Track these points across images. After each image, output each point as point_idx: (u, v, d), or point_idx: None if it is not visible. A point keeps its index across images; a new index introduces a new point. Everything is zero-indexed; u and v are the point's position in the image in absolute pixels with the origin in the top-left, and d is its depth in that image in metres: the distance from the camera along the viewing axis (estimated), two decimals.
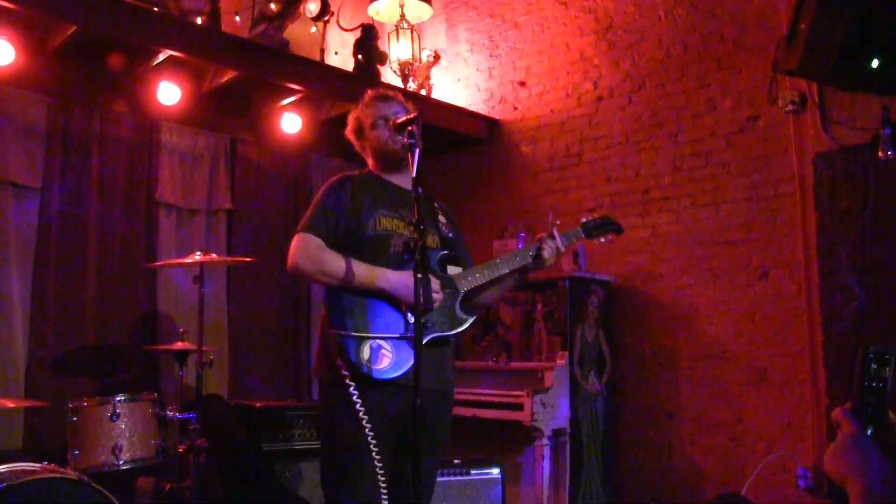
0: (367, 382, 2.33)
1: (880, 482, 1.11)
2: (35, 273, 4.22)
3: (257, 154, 5.30)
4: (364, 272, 2.38)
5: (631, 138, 4.95)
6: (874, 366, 1.19)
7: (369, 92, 2.71)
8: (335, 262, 2.38)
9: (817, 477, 3.97)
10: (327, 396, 2.46)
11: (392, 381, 2.34)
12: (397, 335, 2.38)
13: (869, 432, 1.18)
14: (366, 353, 2.32)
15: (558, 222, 2.68)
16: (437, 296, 2.40)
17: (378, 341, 2.35)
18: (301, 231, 2.46)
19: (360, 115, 2.66)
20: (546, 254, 2.61)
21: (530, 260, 2.63)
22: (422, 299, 2.17)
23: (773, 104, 4.30)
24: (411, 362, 2.33)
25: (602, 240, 2.84)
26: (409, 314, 2.37)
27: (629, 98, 4.98)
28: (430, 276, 2.38)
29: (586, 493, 4.45)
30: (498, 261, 2.61)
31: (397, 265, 2.43)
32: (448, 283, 2.50)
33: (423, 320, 2.34)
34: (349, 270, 2.37)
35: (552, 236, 2.65)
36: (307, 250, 2.43)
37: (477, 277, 2.56)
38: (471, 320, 2.54)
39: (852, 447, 1.16)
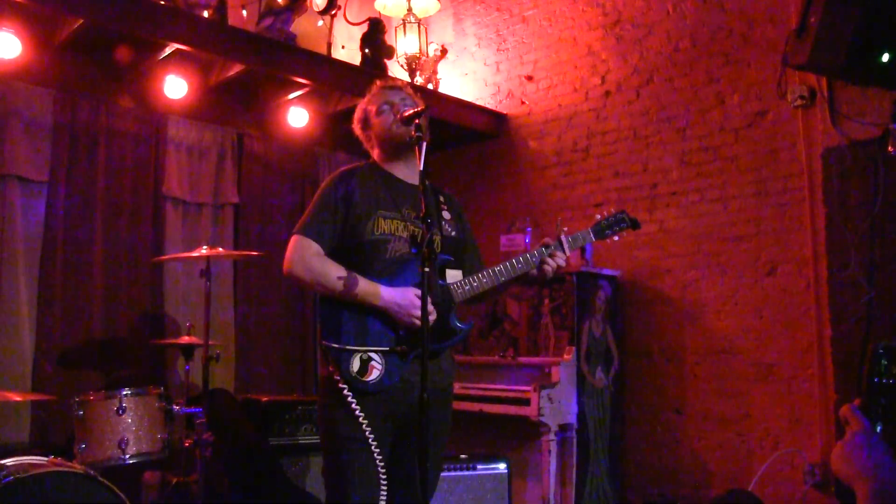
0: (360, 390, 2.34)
1: (890, 482, 1.08)
2: (42, 266, 4.22)
3: (264, 148, 5.30)
4: (361, 289, 2.35)
5: (639, 133, 4.93)
6: (884, 362, 1.17)
7: (377, 82, 2.69)
8: (332, 275, 2.35)
9: (825, 473, 3.96)
10: (325, 395, 2.44)
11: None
12: (387, 348, 2.37)
13: (878, 430, 1.16)
14: (355, 365, 2.32)
15: (566, 228, 2.62)
16: (431, 317, 2.35)
17: (368, 353, 2.34)
18: (299, 233, 2.43)
19: (367, 104, 2.63)
20: (547, 268, 2.54)
21: (530, 268, 2.55)
22: (427, 295, 2.15)
23: (782, 99, 4.28)
24: (401, 373, 2.35)
25: (616, 238, 2.73)
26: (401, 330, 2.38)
27: (637, 93, 4.96)
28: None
29: (593, 488, 4.44)
30: (498, 269, 2.52)
31: (393, 270, 2.41)
32: (443, 293, 2.46)
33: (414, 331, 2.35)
34: (346, 285, 2.34)
35: (559, 242, 2.57)
36: (304, 258, 2.40)
37: (474, 287, 2.50)
38: (464, 332, 2.52)
39: (861, 446, 1.13)
